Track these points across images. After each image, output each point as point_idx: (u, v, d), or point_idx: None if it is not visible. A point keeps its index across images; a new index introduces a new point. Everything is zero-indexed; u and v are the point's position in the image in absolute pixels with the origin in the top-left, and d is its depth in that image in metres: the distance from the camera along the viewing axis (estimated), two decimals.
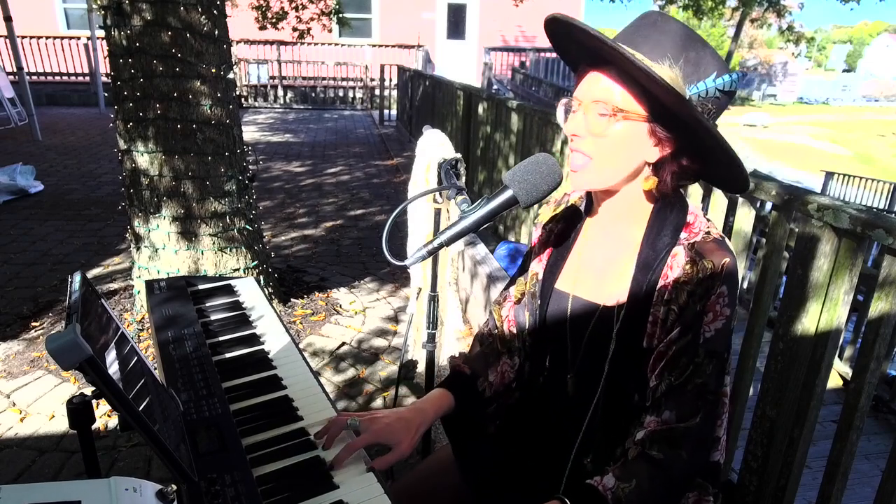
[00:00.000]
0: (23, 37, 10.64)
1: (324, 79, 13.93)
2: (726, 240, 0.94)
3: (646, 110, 0.88)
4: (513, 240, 3.75)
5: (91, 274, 3.91)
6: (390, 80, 12.14)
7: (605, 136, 0.90)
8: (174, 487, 0.74)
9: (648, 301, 0.93)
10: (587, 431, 1.00)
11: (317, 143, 9.31)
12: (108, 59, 2.83)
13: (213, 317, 1.38)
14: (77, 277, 0.87)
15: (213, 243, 3.01)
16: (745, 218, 1.79)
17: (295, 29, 9.89)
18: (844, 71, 54.32)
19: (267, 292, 2.50)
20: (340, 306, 3.49)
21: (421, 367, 2.73)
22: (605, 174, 0.93)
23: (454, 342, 2.36)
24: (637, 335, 0.94)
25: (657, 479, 0.87)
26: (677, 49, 0.87)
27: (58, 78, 12.80)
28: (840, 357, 3.06)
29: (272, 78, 13.62)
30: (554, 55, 13.20)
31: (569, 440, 1.02)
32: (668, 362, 0.90)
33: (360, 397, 2.66)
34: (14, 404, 2.51)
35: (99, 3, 2.74)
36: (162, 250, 2.97)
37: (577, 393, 1.03)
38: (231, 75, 2.99)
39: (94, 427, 0.85)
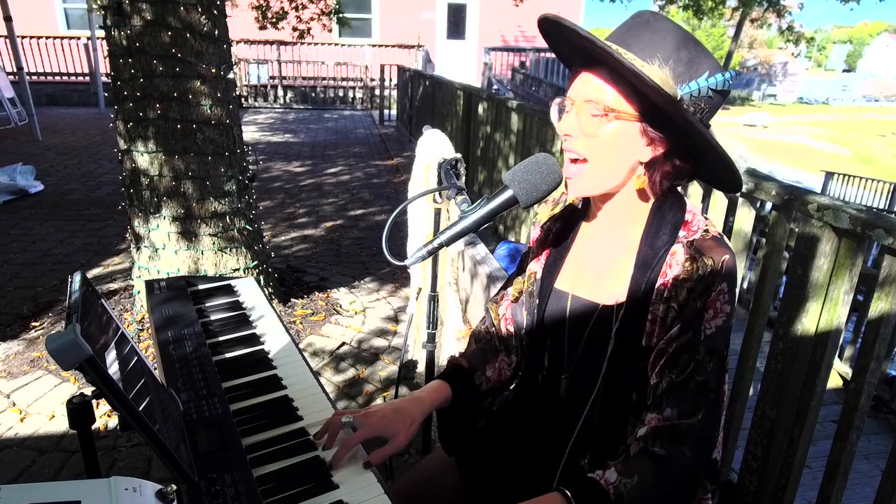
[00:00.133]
0: (23, 37, 10.65)
1: (324, 79, 13.94)
2: (725, 237, 0.94)
3: (637, 110, 0.88)
4: (513, 240, 3.75)
5: (91, 274, 3.91)
6: (390, 80, 12.14)
7: (597, 136, 0.90)
8: (174, 487, 0.74)
9: (648, 299, 0.93)
10: (583, 430, 1.00)
11: (317, 143, 9.31)
12: (108, 59, 2.84)
13: (213, 317, 1.38)
14: (77, 277, 0.87)
15: (213, 243, 3.01)
16: (745, 218, 1.79)
17: (295, 29, 9.88)
18: (844, 71, 54.34)
19: (267, 292, 2.50)
20: (340, 306, 3.49)
21: (421, 367, 2.73)
22: (601, 177, 0.93)
23: (454, 342, 2.35)
24: (636, 334, 0.94)
25: (659, 475, 0.87)
26: (669, 48, 0.86)
27: (58, 78, 12.81)
28: (840, 357, 3.06)
29: (272, 78, 13.62)
30: (554, 55, 13.15)
31: (564, 438, 1.02)
32: (668, 360, 0.90)
33: (360, 397, 2.66)
34: (14, 404, 2.51)
35: (99, 3, 2.74)
36: (162, 250, 2.98)
37: (571, 392, 1.03)
38: (231, 75, 2.99)
39: (94, 427, 0.85)
